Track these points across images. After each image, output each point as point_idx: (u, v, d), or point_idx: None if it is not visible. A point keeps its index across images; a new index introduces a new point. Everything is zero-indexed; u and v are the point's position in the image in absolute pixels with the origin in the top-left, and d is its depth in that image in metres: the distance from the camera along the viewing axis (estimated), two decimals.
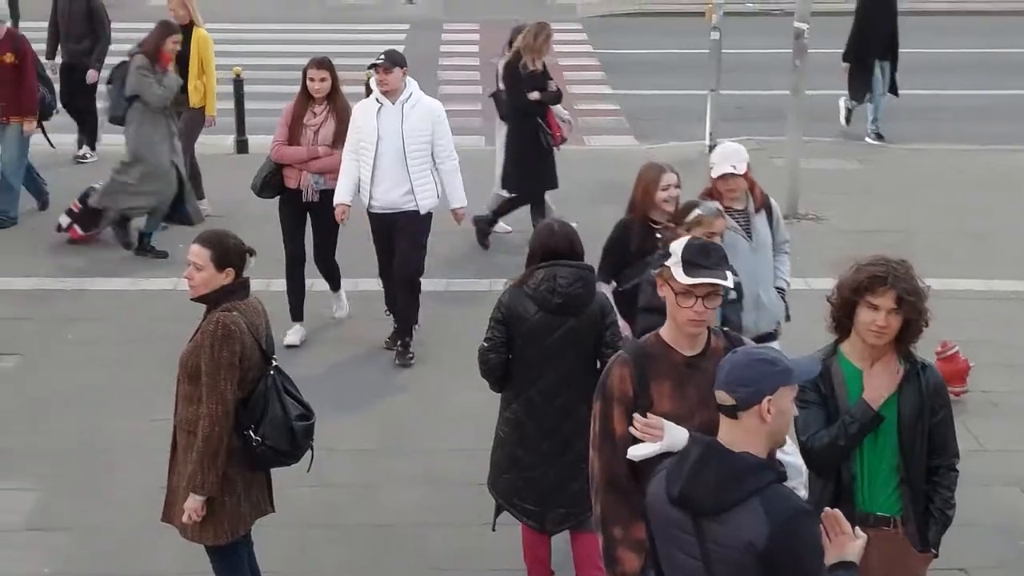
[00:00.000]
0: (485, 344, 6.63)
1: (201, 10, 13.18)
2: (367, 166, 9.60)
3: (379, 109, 9.58)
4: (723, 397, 4.14)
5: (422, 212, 9.71)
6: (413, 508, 7.99)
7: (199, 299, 6.12)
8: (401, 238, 9.77)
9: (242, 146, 15.62)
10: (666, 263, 4.89)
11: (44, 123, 12.96)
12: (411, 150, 9.56)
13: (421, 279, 10.03)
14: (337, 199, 9.73)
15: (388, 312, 10.36)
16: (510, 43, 12.47)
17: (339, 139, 9.88)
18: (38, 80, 12.75)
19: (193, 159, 13.07)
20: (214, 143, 14.84)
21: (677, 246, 4.89)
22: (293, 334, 10.19)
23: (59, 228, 12.37)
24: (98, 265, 11.83)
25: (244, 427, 6.01)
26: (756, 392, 4.07)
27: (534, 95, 12.08)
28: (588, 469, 5.12)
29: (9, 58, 12.47)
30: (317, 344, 10.27)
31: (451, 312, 10.83)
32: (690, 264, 4.81)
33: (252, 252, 6.21)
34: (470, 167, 14.42)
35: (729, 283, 4.88)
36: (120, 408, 9.15)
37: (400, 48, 21.59)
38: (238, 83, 15.64)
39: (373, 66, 9.61)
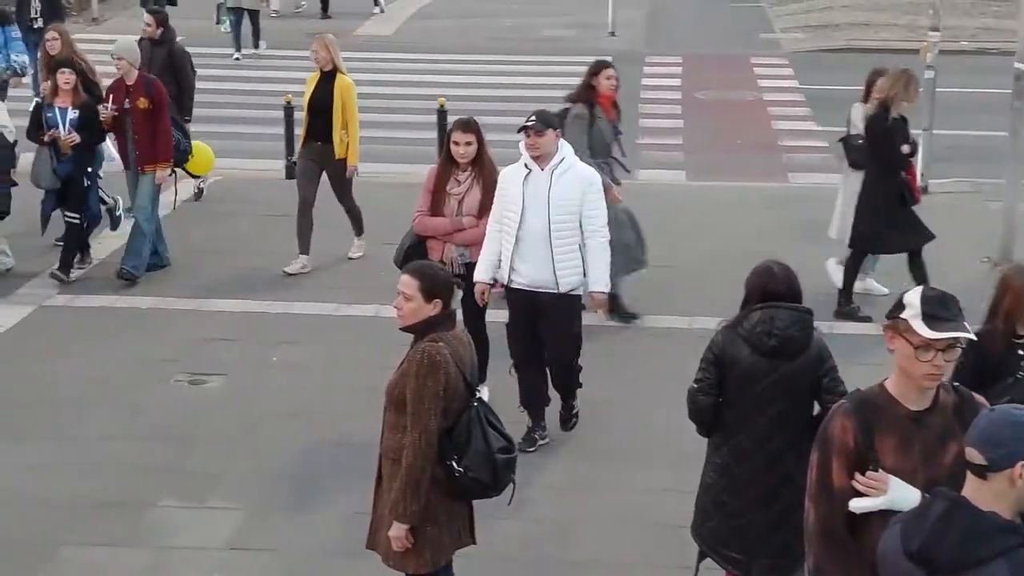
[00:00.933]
0: (695, 385, 6.51)
1: (405, 40, 13.31)
2: (510, 238, 8.68)
3: (527, 175, 8.67)
4: (974, 455, 3.98)
5: (562, 291, 8.72)
6: (610, 547, 7.91)
7: (406, 329, 6.15)
8: (547, 324, 8.81)
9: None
10: (901, 315, 4.71)
11: (177, 171, 12.57)
12: (557, 222, 8.62)
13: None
14: (477, 275, 8.87)
15: (522, 409, 9.02)
16: (868, 88, 11.50)
17: (486, 208, 9.01)
18: (173, 126, 12.36)
19: (353, 205, 12.76)
20: (412, 171, 14.97)
21: (913, 297, 4.72)
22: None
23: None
24: (303, 291, 12.03)
25: (447, 458, 6.02)
26: (1010, 455, 3.91)
27: (905, 148, 11.15)
28: (799, 518, 4.98)
29: (143, 104, 12.03)
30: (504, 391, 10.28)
31: (654, 345, 10.74)
32: (931, 317, 4.64)
33: (460, 285, 6.23)
34: (672, 205, 14.44)
35: (972, 335, 4.70)
36: (322, 432, 9.27)
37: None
38: (441, 113, 15.82)
39: (523, 128, 8.68)
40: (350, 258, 12.70)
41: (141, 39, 13.75)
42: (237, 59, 23.82)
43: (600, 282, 8.85)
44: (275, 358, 10.60)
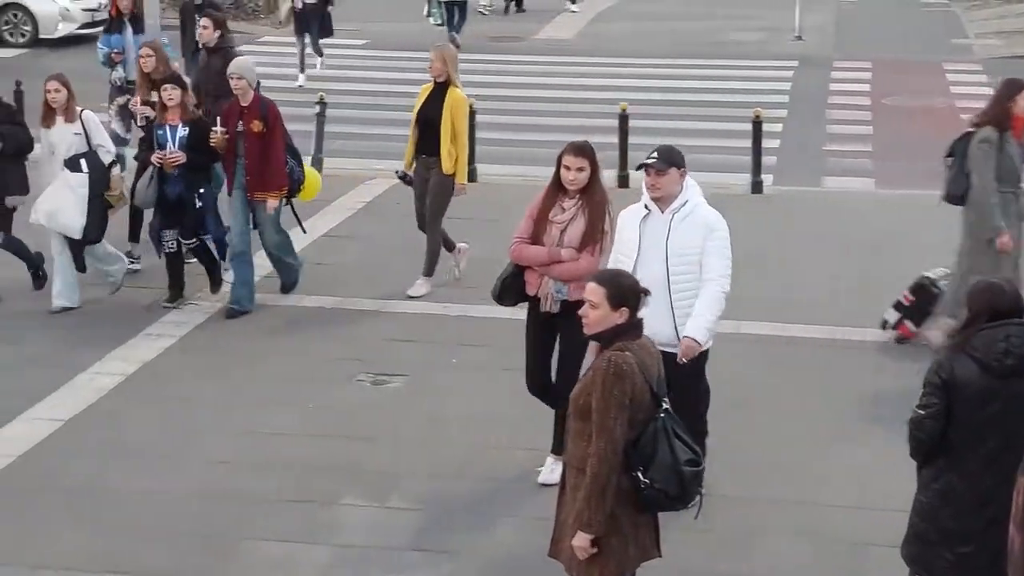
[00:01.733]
0: (921, 412, 6.18)
1: (585, 44, 13.13)
2: None
3: (645, 217, 7.87)
4: None
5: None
6: (793, 562, 7.74)
7: (593, 337, 6.08)
8: (671, 383, 7.34)
9: (623, 181, 15.72)
10: None
11: (293, 200, 11.83)
12: (676, 272, 7.75)
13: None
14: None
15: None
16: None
17: (589, 242, 8.18)
18: (287, 151, 11.56)
19: (443, 232, 12.07)
20: None
21: None
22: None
23: (884, 325, 10.81)
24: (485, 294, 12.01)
25: (633, 469, 5.93)
26: None
27: None
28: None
29: (257, 127, 11.27)
30: None
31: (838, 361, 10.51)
32: None
33: (647, 292, 6.14)
34: (866, 213, 14.09)
35: None
36: (503, 435, 9.24)
37: (785, 86, 21.61)
38: (623, 118, 15.73)
39: (643, 166, 7.84)
40: (410, 296, 11.89)
41: (197, 47, 13.45)
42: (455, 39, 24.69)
43: (697, 329, 7.80)
44: (455, 360, 10.61)
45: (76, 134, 11.38)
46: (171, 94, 11.44)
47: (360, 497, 8.48)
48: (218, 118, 11.47)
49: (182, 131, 11.44)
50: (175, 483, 8.63)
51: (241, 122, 11.37)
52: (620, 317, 6.02)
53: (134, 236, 12.50)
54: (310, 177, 12.12)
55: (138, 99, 12.35)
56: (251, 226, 11.56)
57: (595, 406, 5.89)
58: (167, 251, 11.62)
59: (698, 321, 7.79)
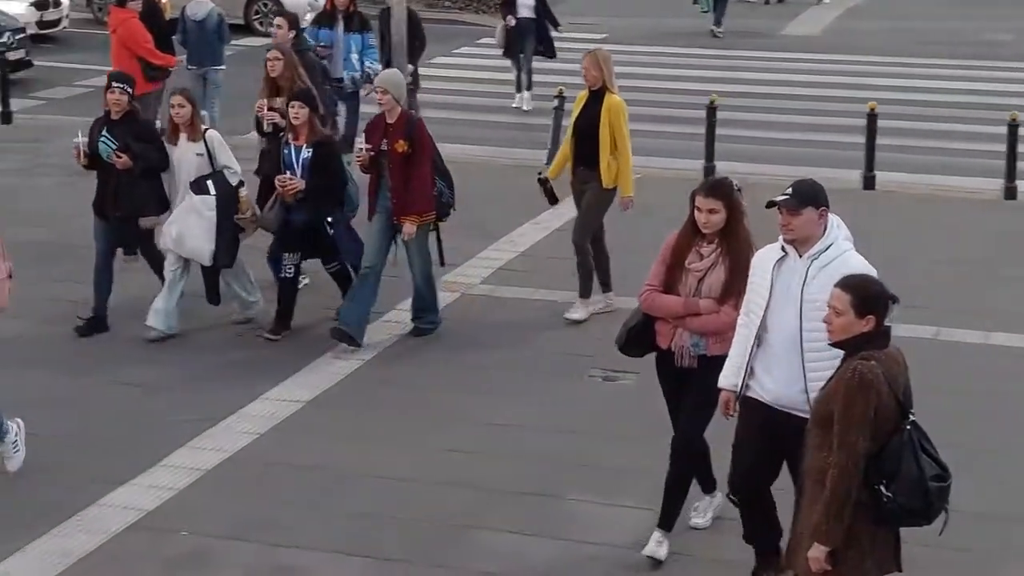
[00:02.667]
0: None
1: (832, 41, 12.82)
2: (753, 335, 6.84)
3: (779, 260, 6.78)
4: None
5: None
6: None
7: (836, 345, 5.91)
8: (793, 455, 6.58)
9: (869, 183, 15.36)
10: None
11: (440, 225, 10.85)
12: (811, 327, 6.53)
13: None
14: (722, 380, 7.06)
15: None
16: None
17: (731, 293, 7.29)
18: (435, 174, 10.64)
19: (602, 246, 11.48)
20: (837, 176, 14.53)
21: None
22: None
23: None
24: None
25: (874, 482, 5.74)
26: None
27: None
28: None
29: (402, 147, 10.36)
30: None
31: None
32: None
33: (895, 299, 5.93)
34: None
35: None
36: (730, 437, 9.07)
37: None
38: (871, 117, 15.36)
39: (774, 204, 6.73)
40: (567, 319, 11.29)
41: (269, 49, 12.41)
42: (716, 35, 25.12)
43: None
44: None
45: (199, 154, 10.67)
46: (298, 112, 10.52)
47: (589, 492, 8.43)
48: (368, 134, 10.69)
49: (306, 153, 10.57)
50: (409, 469, 8.72)
51: (385, 140, 10.46)
52: (866, 325, 5.83)
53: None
54: None
55: (264, 104, 11.49)
56: (386, 252, 10.76)
57: (837, 416, 5.73)
58: (283, 276, 10.82)
59: None
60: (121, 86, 10.60)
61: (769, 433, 6.83)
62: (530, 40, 19.37)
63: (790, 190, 6.66)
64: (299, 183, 10.48)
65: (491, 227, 13.55)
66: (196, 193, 10.58)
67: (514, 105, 19.60)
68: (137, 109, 10.89)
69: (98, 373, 10.16)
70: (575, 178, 11.33)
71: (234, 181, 10.73)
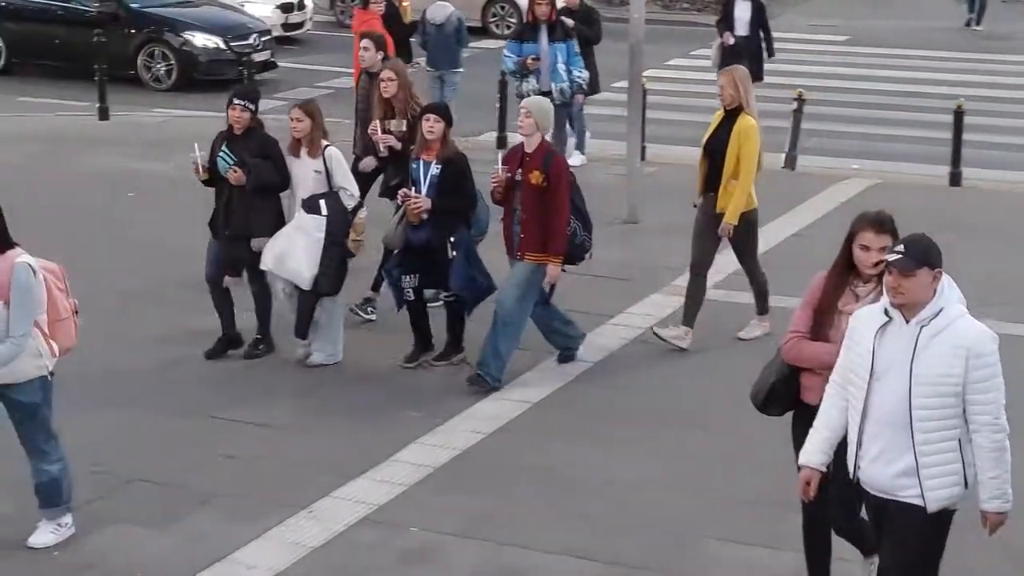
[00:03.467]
0: None
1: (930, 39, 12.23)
2: (855, 411, 5.99)
3: (883, 326, 5.92)
4: None
5: (930, 510, 5.89)
6: None
7: None
8: (890, 544, 6.04)
9: (955, 179, 14.85)
10: None
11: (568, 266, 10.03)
12: (922, 404, 5.81)
13: None
14: (802, 458, 6.24)
15: None
16: None
17: None
18: (573, 213, 9.82)
19: (756, 272, 10.92)
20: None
21: None
22: None
23: None
24: (1002, 309, 11.39)
25: None
26: None
27: None
28: None
29: (536, 178, 9.65)
30: None
31: None
32: None
33: None
34: None
35: None
36: None
37: None
38: (958, 115, 14.80)
39: (882, 262, 6.03)
40: (739, 339, 10.86)
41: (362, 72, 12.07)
42: (974, 30, 24.71)
43: (996, 496, 5.90)
44: None
45: (317, 172, 10.07)
46: (433, 126, 9.94)
47: None
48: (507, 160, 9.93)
49: (435, 169, 9.97)
50: (642, 473, 8.61)
51: (520, 170, 9.74)
52: None
53: (377, 287, 11.16)
54: None
55: (378, 126, 10.99)
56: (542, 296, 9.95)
57: None
58: (405, 300, 10.20)
59: (988, 486, 5.89)
60: (243, 103, 10.06)
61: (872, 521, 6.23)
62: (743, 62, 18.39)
63: (902, 247, 5.84)
64: (424, 202, 9.89)
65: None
66: (307, 212, 10.01)
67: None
68: (260, 124, 10.27)
69: (330, 370, 10.32)
70: (704, 200, 10.66)
71: (351, 203, 10.13)
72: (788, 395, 6.75)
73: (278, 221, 10.18)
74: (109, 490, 8.27)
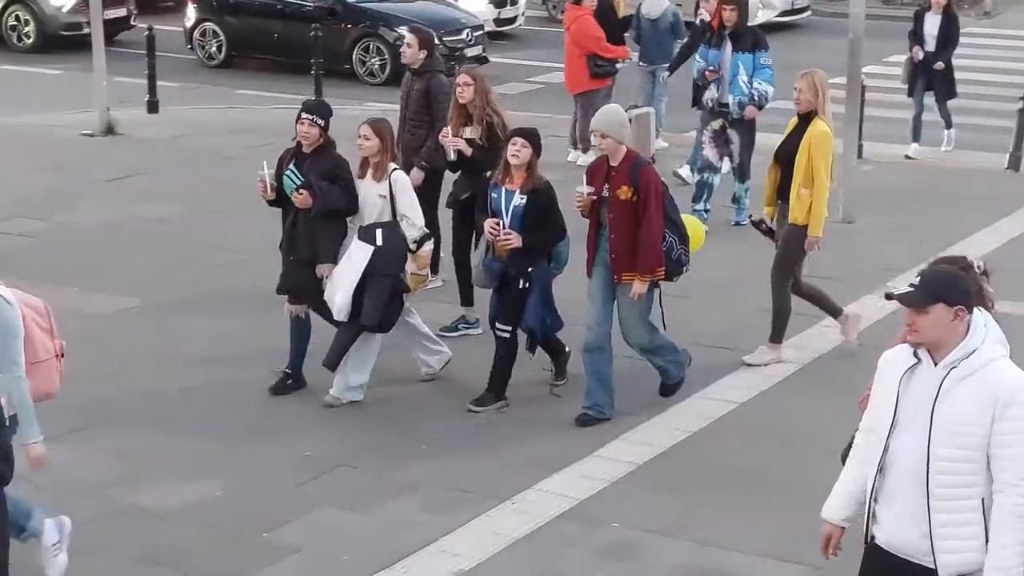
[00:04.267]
0: None
1: None
2: (872, 463, 5.38)
3: (911, 368, 5.27)
4: None
5: (940, 572, 5.21)
6: None
7: None
8: None
9: None
10: None
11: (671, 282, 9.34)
12: (942, 455, 5.12)
13: None
14: (825, 511, 5.72)
15: None
16: None
17: None
18: (668, 227, 9.05)
19: (804, 285, 10.34)
20: None
21: None
22: None
23: None
24: None
25: None
26: None
27: None
28: None
29: (625, 194, 8.92)
30: None
31: None
32: None
33: None
34: None
35: None
36: None
37: None
38: None
39: (891, 297, 5.33)
40: (745, 363, 10.21)
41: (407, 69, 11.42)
42: None
43: (998, 567, 5.10)
44: None
45: (381, 196, 9.29)
46: (519, 151, 9.10)
47: None
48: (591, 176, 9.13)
49: (519, 200, 9.13)
50: (831, 474, 8.38)
51: (607, 185, 9.04)
52: None
53: (466, 299, 10.72)
54: (693, 229, 9.56)
55: (449, 131, 10.34)
56: (611, 315, 9.24)
57: None
58: (500, 337, 9.37)
59: (996, 554, 5.09)
60: (311, 117, 9.34)
61: None
62: (936, 80, 16.51)
63: (917, 279, 5.22)
64: (516, 239, 9.09)
65: (943, 230, 12.98)
66: (360, 239, 9.32)
67: (906, 155, 16.59)
68: (332, 143, 9.50)
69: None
70: (778, 212, 10.22)
71: (413, 234, 9.30)
72: None
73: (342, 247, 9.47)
74: (317, 474, 8.42)
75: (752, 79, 13.31)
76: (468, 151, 10.21)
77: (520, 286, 9.18)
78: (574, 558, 7.52)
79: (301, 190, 9.28)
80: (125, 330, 10.79)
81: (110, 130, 17.34)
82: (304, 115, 9.39)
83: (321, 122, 9.37)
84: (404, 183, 9.42)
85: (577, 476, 8.45)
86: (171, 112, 18.73)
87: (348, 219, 9.46)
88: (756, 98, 13.37)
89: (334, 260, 9.35)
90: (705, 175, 13.69)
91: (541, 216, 9.14)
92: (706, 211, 13.44)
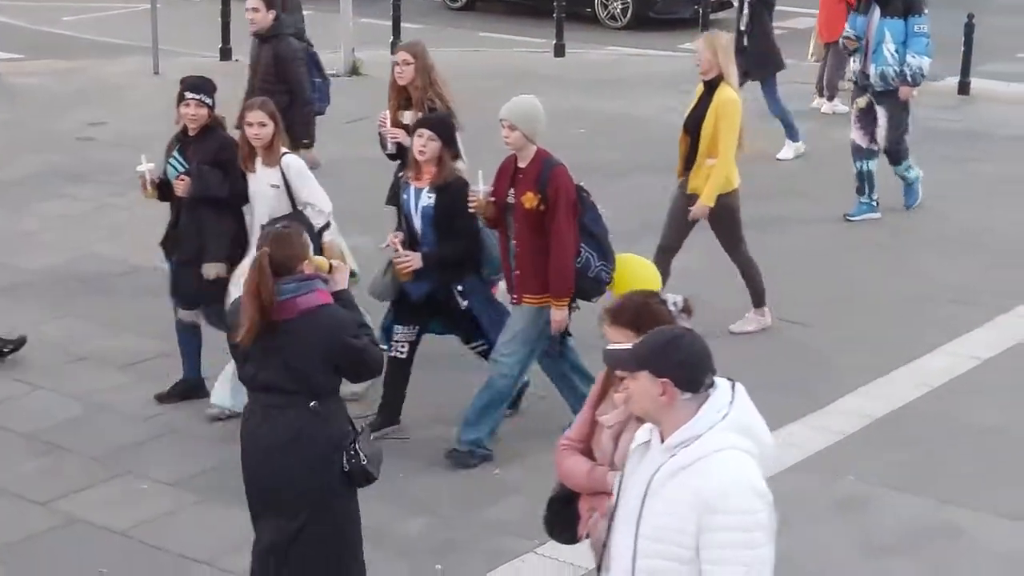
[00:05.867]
0: None
1: None
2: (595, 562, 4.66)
3: (643, 445, 4.25)
4: None
5: None
6: None
7: None
8: None
9: None
10: None
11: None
12: (644, 566, 4.09)
13: None
14: None
15: None
16: None
17: None
18: (585, 238, 7.60)
19: (744, 260, 9.66)
20: None
21: None
22: None
23: None
24: None
25: None
26: None
27: None
28: None
29: (530, 201, 7.55)
30: None
31: None
32: None
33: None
34: None
35: None
36: None
37: None
38: None
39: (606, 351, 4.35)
40: (731, 332, 9.53)
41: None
42: None
43: None
44: None
45: (273, 186, 8.06)
46: (425, 145, 7.84)
47: None
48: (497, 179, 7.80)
49: (427, 199, 7.88)
50: None
51: (513, 190, 7.68)
52: None
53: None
54: (633, 270, 7.77)
55: (387, 118, 9.17)
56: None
57: None
58: (392, 354, 8.00)
59: None
60: (198, 97, 8.21)
61: None
62: None
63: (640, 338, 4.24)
64: (414, 261, 7.85)
65: None
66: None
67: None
68: (220, 123, 8.35)
69: None
70: (681, 183, 9.52)
71: (319, 222, 8.07)
72: (565, 515, 5.04)
73: (238, 241, 8.25)
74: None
75: (903, 50, 11.66)
76: (407, 141, 8.55)
77: (460, 306, 7.98)
78: (809, 511, 7.39)
79: (182, 176, 8.25)
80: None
81: (355, 71, 17.69)
82: (189, 95, 8.21)
83: (209, 101, 8.27)
84: (299, 167, 8.18)
85: (813, 428, 8.32)
86: None
87: (248, 216, 8.28)
88: (908, 74, 11.68)
89: (226, 259, 8.15)
90: (858, 163, 12.02)
91: (451, 217, 7.82)
92: (875, 203, 12.08)
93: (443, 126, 8.00)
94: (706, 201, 9.25)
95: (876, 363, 9.18)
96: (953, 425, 8.37)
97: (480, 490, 7.61)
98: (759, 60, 13.78)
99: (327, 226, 8.16)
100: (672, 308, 4.83)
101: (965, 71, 16.70)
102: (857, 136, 11.98)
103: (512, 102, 7.69)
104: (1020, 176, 13.54)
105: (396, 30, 18.89)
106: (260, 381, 5.70)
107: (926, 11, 11.78)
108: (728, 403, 4.08)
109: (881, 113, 11.87)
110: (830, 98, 15.52)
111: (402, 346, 8.06)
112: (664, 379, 4.02)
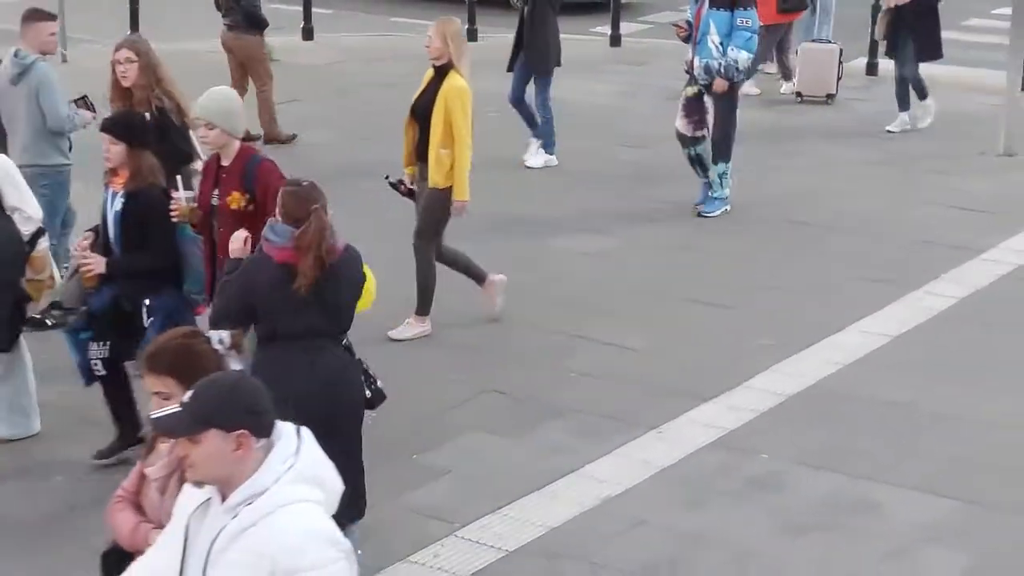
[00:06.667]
0: None
1: None
2: None
3: (203, 505, 3.90)
4: None
5: None
6: None
7: None
8: None
9: None
10: None
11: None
12: None
13: None
14: None
15: None
16: None
17: None
18: None
19: (445, 251, 9.36)
20: None
21: None
22: None
23: None
24: None
25: None
26: None
27: None
28: None
29: (236, 201, 7.02)
30: None
31: None
32: None
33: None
34: None
35: None
36: None
37: None
38: None
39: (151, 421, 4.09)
40: (391, 338, 9.09)
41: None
42: None
43: None
44: None
45: None
46: (107, 150, 7.28)
47: None
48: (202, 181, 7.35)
49: (119, 203, 7.31)
50: (1009, 413, 8.26)
51: (217, 191, 7.11)
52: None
53: None
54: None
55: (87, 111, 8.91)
56: None
57: None
58: (95, 377, 7.30)
59: None
60: None
61: None
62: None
63: (189, 396, 3.75)
64: (96, 264, 7.30)
65: None
66: None
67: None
68: None
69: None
70: (418, 171, 9.21)
71: (28, 228, 7.43)
72: (118, 565, 4.39)
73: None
74: (464, 399, 8.45)
75: (727, 42, 11.29)
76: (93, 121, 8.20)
77: (144, 322, 7.13)
78: (722, 488, 7.47)
79: None
80: None
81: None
82: None
83: None
84: (10, 168, 7.52)
85: (726, 407, 8.38)
86: (325, 39, 18.90)
87: None
88: (723, 68, 11.33)
89: None
90: (686, 150, 11.76)
91: (142, 225, 7.24)
92: (711, 185, 11.78)
93: (125, 128, 7.35)
94: (460, 196, 9.00)
95: (787, 342, 9.27)
96: (864, 402, 8.46)
97: (401, 476, 7.61)
98: (536, 56, 13.19)
99: (41, 232, 7.57)
100: (219, 347, 4.46)
101: (873, 52, 16.89)
102: (681, 124, 11.69)
103: (207, 97, 7.13)
104: (931, 154, 13.75)
105: (307, 15, 18.75)
106: (300, 327, 5.83)
107: (753, 6, 11.41)
108: (294, 453, 3.77)
109: (710, 105, 11.60)
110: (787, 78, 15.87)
111: (95, 363, 7.22)
112: (239, 431, 3.68)
